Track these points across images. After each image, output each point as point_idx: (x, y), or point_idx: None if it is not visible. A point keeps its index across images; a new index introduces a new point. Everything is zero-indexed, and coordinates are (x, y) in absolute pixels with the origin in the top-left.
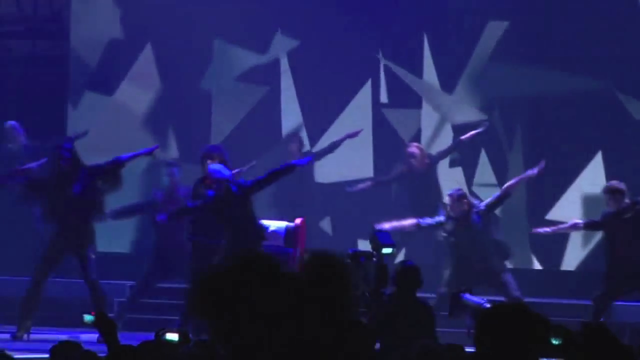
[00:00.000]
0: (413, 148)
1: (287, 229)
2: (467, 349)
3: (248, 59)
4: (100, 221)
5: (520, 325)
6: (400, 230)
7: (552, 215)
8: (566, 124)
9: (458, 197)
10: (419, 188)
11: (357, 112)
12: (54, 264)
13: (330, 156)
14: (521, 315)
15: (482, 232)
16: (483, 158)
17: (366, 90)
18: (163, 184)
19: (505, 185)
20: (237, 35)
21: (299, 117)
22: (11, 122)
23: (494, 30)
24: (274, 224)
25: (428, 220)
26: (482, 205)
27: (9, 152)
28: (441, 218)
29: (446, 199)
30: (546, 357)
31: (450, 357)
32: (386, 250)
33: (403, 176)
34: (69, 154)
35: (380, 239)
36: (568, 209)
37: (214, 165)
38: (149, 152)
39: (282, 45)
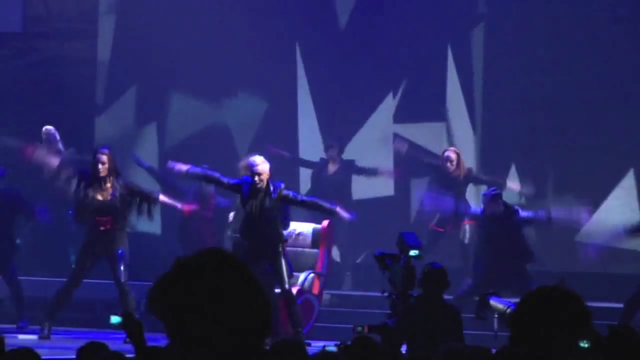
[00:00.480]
0: (450, 152)
1: (314, 230)
2: (494, 351)
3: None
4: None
5: (561, 308)
6: (441, 209)
7: (580, 236)
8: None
9: (492, 197)
10: (451, 189)
11: (378, 127)
12: (87, 266)
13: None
14: (562, 297)
15: (514, 233)
16: (513, 173)
17: (388, 103)
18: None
19: (552, 215)
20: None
21: (316, 132)
22: (48, 127)
23: (522, 39)
24: (301, 226)
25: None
26: (522, 215)
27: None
28: (478, 212)
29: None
30: None
31: (476, 358)
32: (413, 252)
33: (433, 170)
34: (105, 159)
35: (407, 240)
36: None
37: (256, 157)
38: (183, 210)
39: (300, 58)
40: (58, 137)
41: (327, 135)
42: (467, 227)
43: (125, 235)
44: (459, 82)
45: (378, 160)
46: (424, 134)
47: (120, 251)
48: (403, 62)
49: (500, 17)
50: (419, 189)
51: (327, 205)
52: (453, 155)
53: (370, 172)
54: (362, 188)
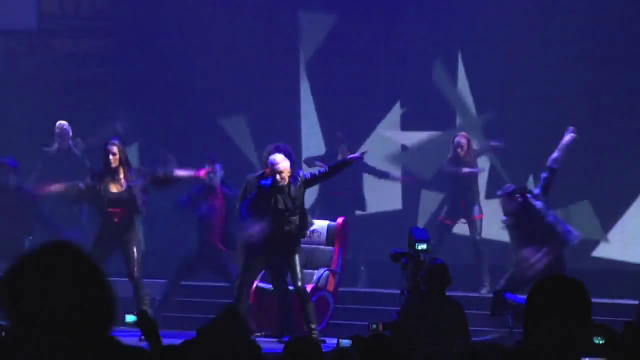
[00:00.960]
0: (460, 137)
1: (328, 227)
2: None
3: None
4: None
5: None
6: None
7: (597, 252)
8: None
9: (509, 195)
10: (460, 182)
11: (385, 136)
12: (101, 258)
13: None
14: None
15: (545, 215)
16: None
17: (395, 112)
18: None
19: (550, 161)
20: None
21: (319, 141)
22: (62, 122)
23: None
24: (316, 223)
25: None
26: (537, 190)
27: (57, 152)
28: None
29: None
30: (589, 357)
31: (492, 355)
32: (421, 246)
33: (448, 162)
34: (115, 150)
35: (415, 235)
36: (613, 247)
37: (276, 156)
38: (200, 176)
39: (304, 65)
40: (70, 134)
41: (330, 145)
42: (477, 221)
43: (138, 227)
44: (469, 88)
45: (386, 169)
46: (433, 143)
47: (133, 245)
48: (411, 68)
49: (512, 21)
50: (428, 202)
51: (339, 161)
52: (463, 141)
53: (380, 173)
54: (370, 202)
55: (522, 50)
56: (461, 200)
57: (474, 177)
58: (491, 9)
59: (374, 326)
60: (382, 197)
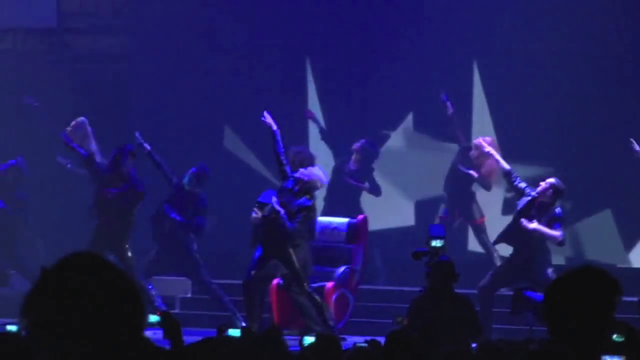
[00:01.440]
0: (478, 139)
1: (349, 225)
2: (530, 346)
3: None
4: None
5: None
6: (497, 163)
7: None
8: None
9: (550, 185)
10: (455, 181)
11: (400, 145)
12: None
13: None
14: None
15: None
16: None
17: (408, 122)
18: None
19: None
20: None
21: (327, 150)
22: (82, 118)
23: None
24: (336, 221)
25: (519, 181)
26: (531, 192)
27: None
28: (530, 191)
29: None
30: (608, 355)
31: (511, 352)
32: (435, 243)
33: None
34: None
35: (431, 231)
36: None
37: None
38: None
39: (312, 76)
40: (90, 130)
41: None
42: (480, 225)
43: (127, 229)
44: (484, 97)
45: (398, 179)
46: (447, 153)
47: (123, 247)
48: (427, 77)
49: (527, 32)
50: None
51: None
52: (477, 143)
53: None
54: (383, 218)
55: (538, 57)
56: (455, 203)
57: (467, 180)
58: (508, 18)
59: (399, 319)
60: (395, 213)
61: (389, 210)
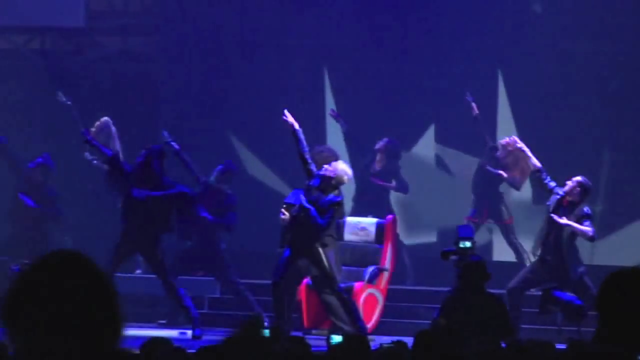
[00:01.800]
0: (504, 139)
1: (377, 225)
2: (558, 346)
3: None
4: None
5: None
6: (527, 158)
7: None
8: None
9: (577, 184)
10: (483, 181)
11: (420, 155)
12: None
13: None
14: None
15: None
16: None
17: (429, 133)
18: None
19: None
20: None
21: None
22: (106, 118)
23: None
24: (364, 221)
25: (550, 180)
26: (559, 190)
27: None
28: (557, 190)
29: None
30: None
31: (540, 353)
32: (464, 244)
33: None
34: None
35: (459, 232)
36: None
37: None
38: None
39: (332, 86)
40: (114, 130)
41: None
42: (509, 226)
43: (158, 232)
44: (509, 106)
45: (420, 189)
46: (470, 161)
47: (156, 249)
48: (451, 86)
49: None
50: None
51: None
52: (504, 142)
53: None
54: (404, 234)
55: (569, 58)
56: (484, 203)
57: (496, 181)
58: (530, 28)
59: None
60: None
61: (417, 210)
